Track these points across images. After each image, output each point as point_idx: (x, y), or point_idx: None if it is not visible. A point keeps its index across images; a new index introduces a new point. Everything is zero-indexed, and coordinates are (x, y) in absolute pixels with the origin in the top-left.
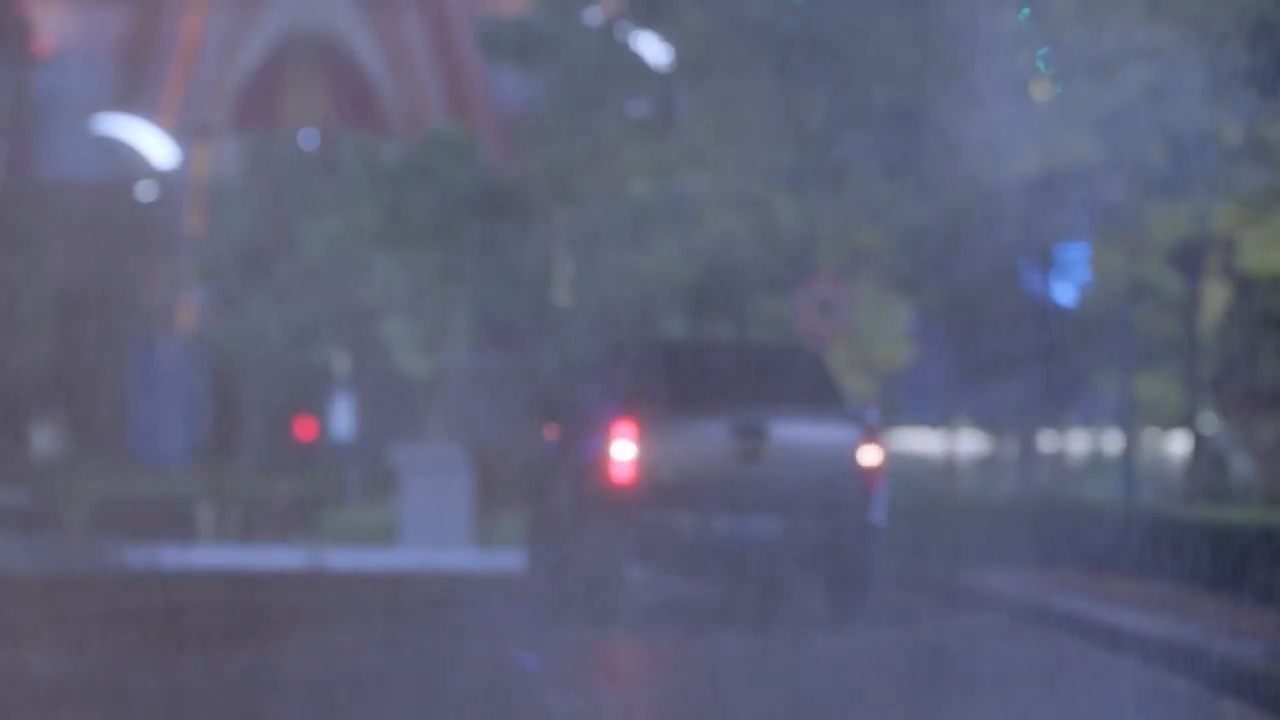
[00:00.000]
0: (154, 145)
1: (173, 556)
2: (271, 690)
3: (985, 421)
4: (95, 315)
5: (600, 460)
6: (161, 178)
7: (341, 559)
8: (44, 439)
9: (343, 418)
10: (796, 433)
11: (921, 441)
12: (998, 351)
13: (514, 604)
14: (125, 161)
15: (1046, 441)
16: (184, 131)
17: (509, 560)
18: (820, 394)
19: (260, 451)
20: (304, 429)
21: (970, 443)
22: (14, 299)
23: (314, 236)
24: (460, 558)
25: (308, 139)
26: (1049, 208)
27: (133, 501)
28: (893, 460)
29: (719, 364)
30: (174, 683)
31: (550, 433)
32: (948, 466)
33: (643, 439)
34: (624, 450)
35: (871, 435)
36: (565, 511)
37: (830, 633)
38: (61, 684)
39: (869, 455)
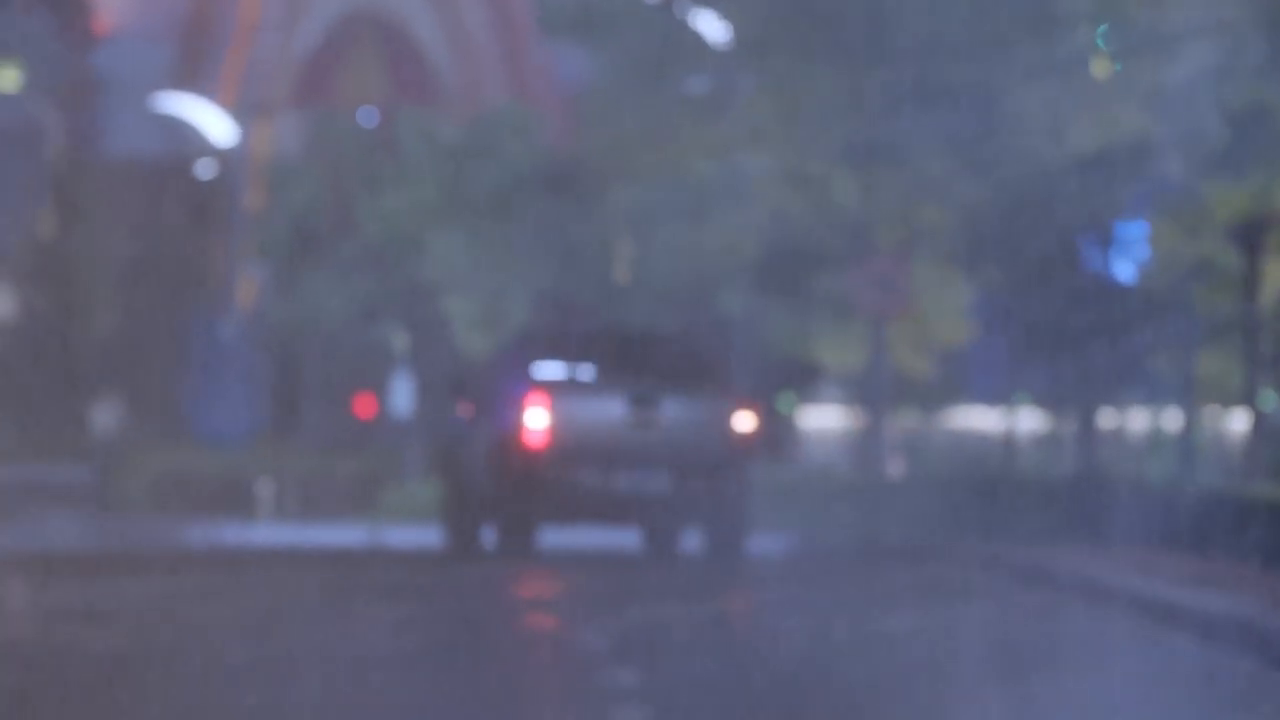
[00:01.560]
0: (213, 123)
1: (232, 534)
2: (327, 667)
3: (1045, 399)
4: (155, 293)
5: (516, 428)
6: (221, 155)
7: (401, 536)
8: (104, 416)
9: (402, 395)
10: (682, 404)
11: (981, 419)
12: (1057, 329)
13: (575, 582)
14: (185, 139)
15: (1106, 419)
16: (243, 109)
17: (560, 537)
18: (703, 372)
19: (320, 429)
20: (364, 406)
21: (1030, 420)
22: (75, 277)
23: (373, 214)
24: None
25: (367, 116)
26: (1108, 184)
27: (192, 479)
28: (952, 438)
29: (618, 347)
30: (232, 660)
31: (463, 410)
32: (1007, 444)
33: (554, 409)
34: (538, 419)
35: (746, 407)
36: (483, 477)
37: (886, 611)
38: (121, 662)
39: (744, 423)
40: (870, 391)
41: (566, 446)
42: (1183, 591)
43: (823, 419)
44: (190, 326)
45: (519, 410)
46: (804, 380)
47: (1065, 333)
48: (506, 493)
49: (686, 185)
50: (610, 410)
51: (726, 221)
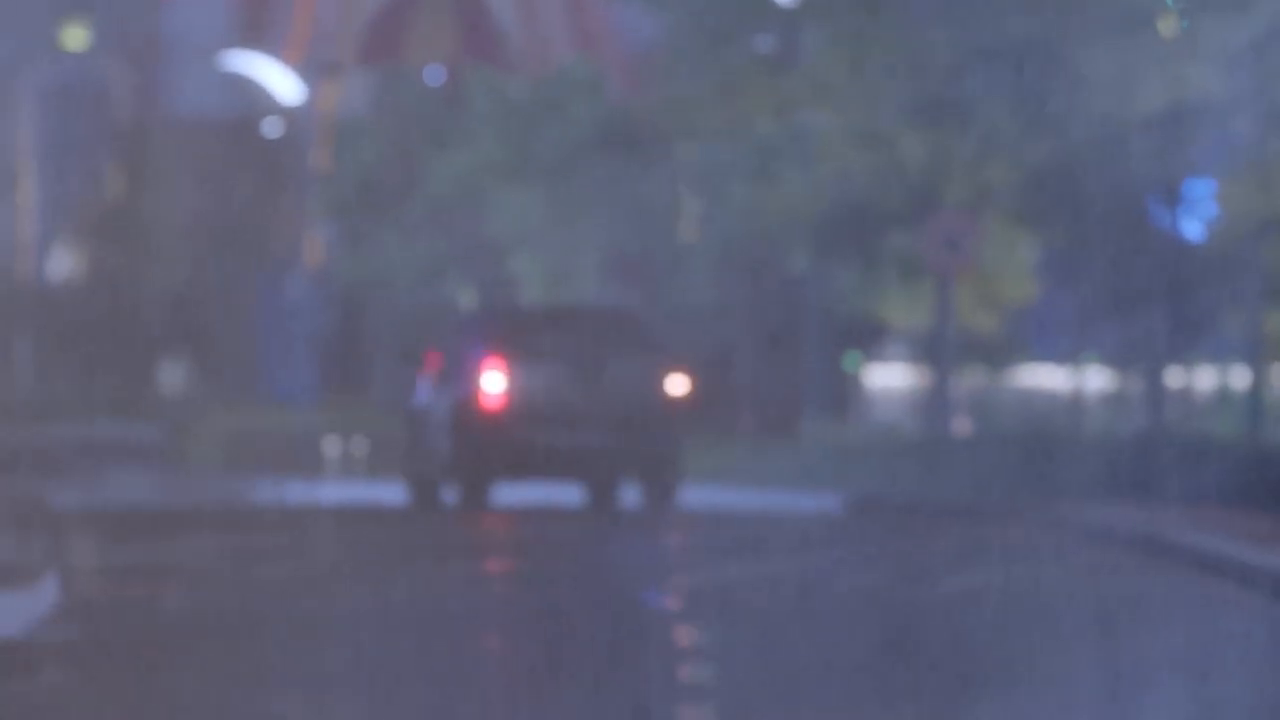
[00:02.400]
0: (280, 81)
1: (299, 492)
2: (391, 624)
3: (1111, 357)
4: (223, 252)
5: (474, 392)
6: (288, 114)
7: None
8: (173, 375)
9: None
10: (621, 369)
11: (1047, 378)
12: (1124, 287)
13: (640, 543)
14: (252, 98)
15: (1173, 377)
16: (310, 67)
17: (632, 496)
18: (639, 342)
19: (387, 387)
20: (431, 364)
21: (1096, 379)
22: (143, 236)
23: (440, 172)
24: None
25: (434, 74)
26: (1176, 143)
27: (260, 437)
28: (1018, 396)
29: (565, 320)
30: (299, 617)
31: (423, 377)
32: (1073, 403)
33: (509, 374)
34: (494, 383)
35: (678, 371)
36: (444, 438)
37: (953, 570)
38: (191, 619)
39: (676, 386)
40: (936, 350)
41: (520, 408)
42: (1251, 549)
43: (889, 377)
44: (257, 285)
45: (478, 377)
46: (870, 339)
47: (1132, 291)
48: (466, 451)
49: (753, 144)
50: (558, 376)
51: (793, 180)
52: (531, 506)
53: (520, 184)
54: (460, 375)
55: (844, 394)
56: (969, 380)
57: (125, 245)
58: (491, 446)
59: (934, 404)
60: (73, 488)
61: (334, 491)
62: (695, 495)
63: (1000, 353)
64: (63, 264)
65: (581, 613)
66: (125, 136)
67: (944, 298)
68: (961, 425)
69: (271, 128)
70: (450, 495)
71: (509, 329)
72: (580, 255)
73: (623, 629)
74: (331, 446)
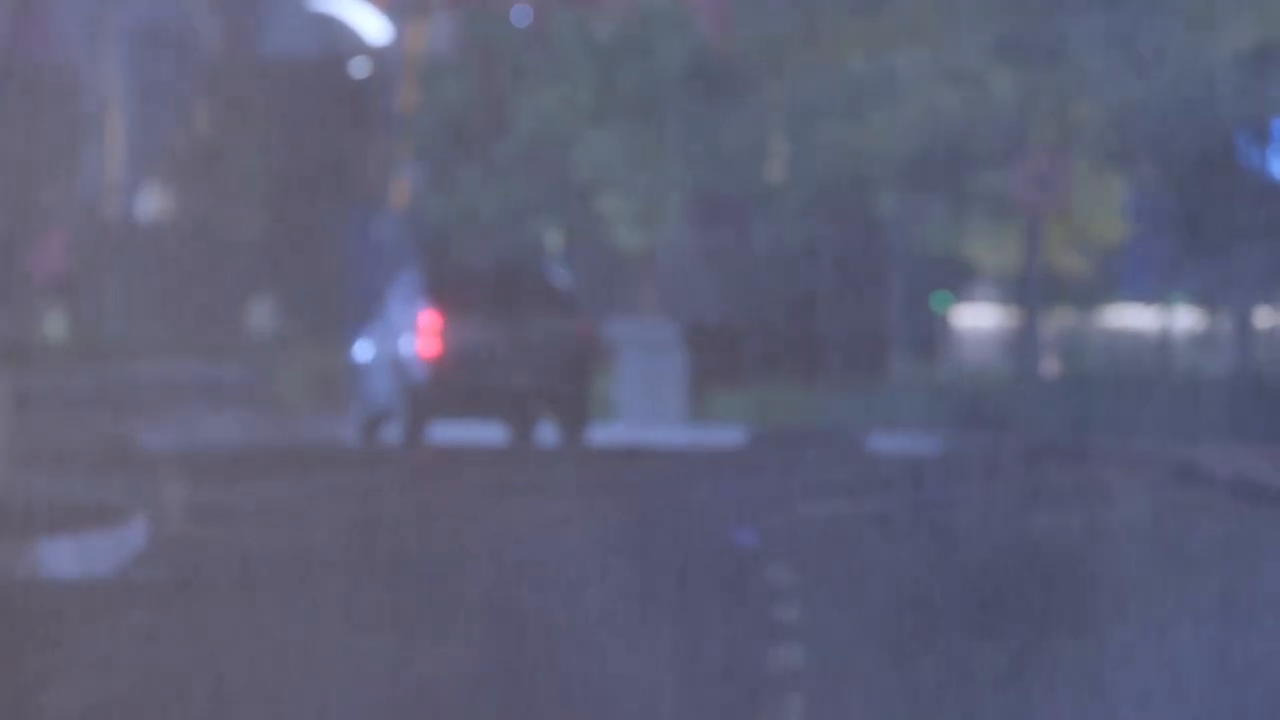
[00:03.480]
0: (367, 21)
1: (389, 432)
2: (479, 564)
3: (1200, 297)
4: (311, 192)
5: (415, 342)
6: (375, 54)
7: (556, 433)
8: (261, 315)
9: None
10: (541, 322)
11: (1136, 318)
12: (1214, 227)
13: (728, 480)
14: (339, 38)
15: (1262, 318)
16: (397, 7)
17: (724, 436)
18: (557, 299)
19: None
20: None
21: (1185, 319)
22: (232, 175)
23: (527, 112)
24: (675, 434)
25: (520, 14)
26: (1268, 81)
27: (347, 377)
28: (1107, 336)
29: (492, 279)
30: (387, 557)
31: (367, 329)
32: (1162, 343)
33: (445, 325)
34: (432, 332)
35: (587, 325)
36: (387, 382)
37: (1042, 509)
38: (278, 558)
39: (585, 337)
40: (1025, 290)
41: (453, 355)
42: None
43: (977, 318)
44: (345, 225)
45: (417, 327)
46: (958, 279)
47: (1222, 230)
48: (407, 393)
49: (842, 83)
50: (485, 327)
51: (882, 119)
52: (603, 449)
53: (607, 124)
54: (402, 328)
55: (932, 335)
56: (1057, 320)
57: (213, 186)
58: (429, 389)
59: (1022, 344)
60: (161, 428)
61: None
62: (783, 436)
63: (1089, 293)
64: (151, 205)
65: (675, 552)
66: (213, 77)
67: (1033, 238)
68: (1050, 366)
69: (359, 68)
70: (392, 433)
71: (444, 287)
72: (666, 196)
73: (714, 568)
74: None
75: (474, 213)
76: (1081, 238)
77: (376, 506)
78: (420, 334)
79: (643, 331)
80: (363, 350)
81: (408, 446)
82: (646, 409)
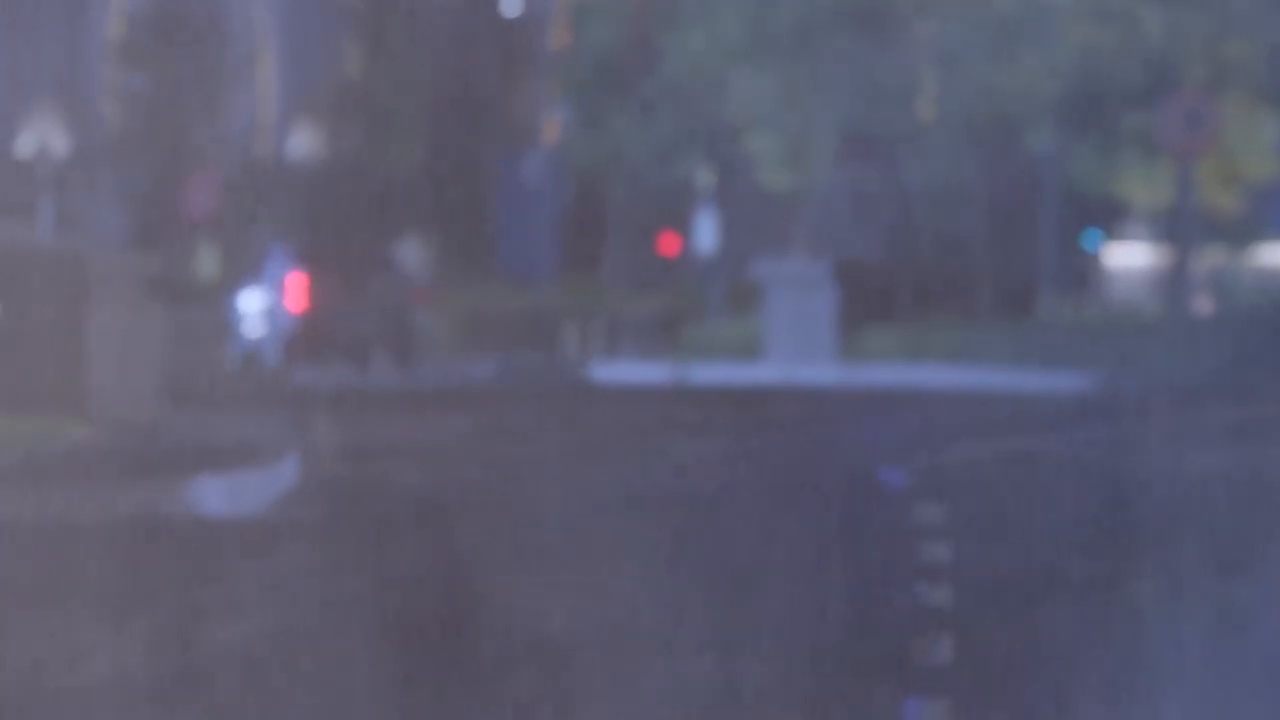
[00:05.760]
0: None
1: (538, 372)
2: (628, 504)
3: None
4: (461, 131)
5: (286, 298)
6: None
7: (705, 373)
8: (412, 253)
9: (706, 233)
10: (381, 284)
11: None
12: None
13: (874, 420)
14: None
15: None
16: None
17: (873, 376)
18: (393, 269)
19: (623, 267)
20: (668, 244)
21: None
22: (382, 114)
23: (676, 52)
24: (824, 373)
25: None
26: None
27: (498, 317)
28: (1259, 275)
29: (349, 250)
30: (536, 495)
31: (245, 287)
32: None
33: (310, 286)
34: (298, 290)
35: (417, 287)
36: (262, 329)
37: (1197, 448)
38: (427, 498)
39: (414, 295)
40: (1177, 228)
41: (315, 310)
42: None
43: (1128, 257)
44: (495, 165)
45: (287, 287)
46: (1110, 218)
47: None
48: (279, 336)
49: (992, 21)
50: (341, 286)
51: (1031, 58)
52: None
53: (757, 63)
54: (278, 287)
55: (1083, 273)
56: (1209, 259)
57: (364, 124)
58: (295, 337)
59: (1174, 283)
60: (314, 369)
61: (570, 371)
62: (934, 375)
63: (1241, 231)
64: (302, 143)
65: (823, 490)
66: (364, 15)
67: (1184, 176)
68: (1202, 304)
69: (510, 6)
70: (263, 366)
71: (311, 255)
72: (817, 135)
73: (857, 506)
74: (569, 326)
75: (624, 152)
76: (1233, 176)
77: (525, 446)
78: (290, 291)
79: (793, 270)
80: (245, 300)
81: (280, 377)
82: (796, 347)
